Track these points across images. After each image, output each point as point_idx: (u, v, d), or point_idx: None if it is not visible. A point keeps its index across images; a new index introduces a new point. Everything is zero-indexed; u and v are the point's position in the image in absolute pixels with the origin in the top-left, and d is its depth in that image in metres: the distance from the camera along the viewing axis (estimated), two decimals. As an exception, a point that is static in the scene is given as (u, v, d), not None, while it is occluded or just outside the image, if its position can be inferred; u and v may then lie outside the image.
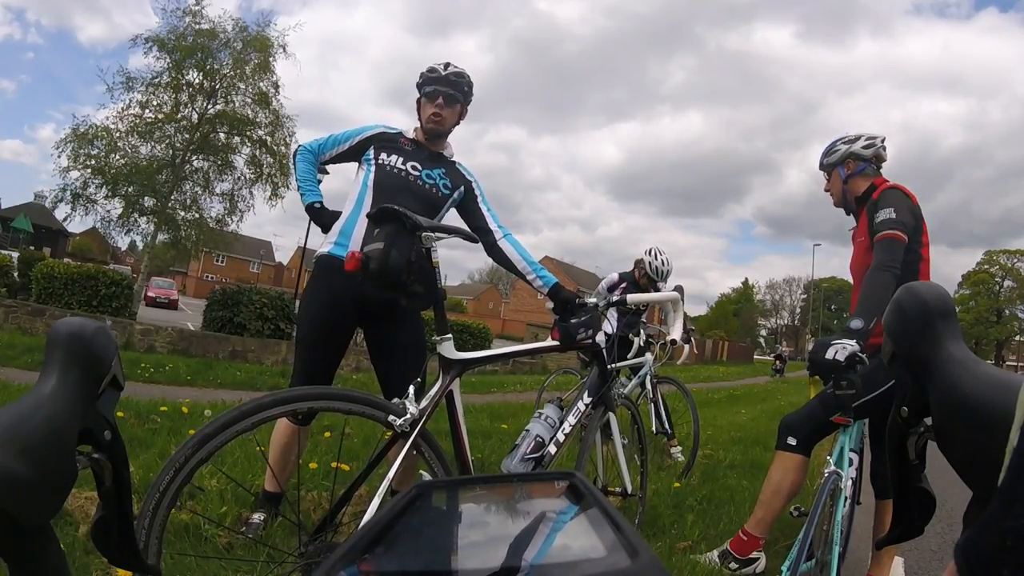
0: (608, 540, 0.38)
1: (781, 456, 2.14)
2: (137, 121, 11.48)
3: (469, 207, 2.12)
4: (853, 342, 1.49)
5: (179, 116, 11.78)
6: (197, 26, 11.62)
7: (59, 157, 11.01)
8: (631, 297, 2.12)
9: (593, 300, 2.06)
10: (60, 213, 11.94)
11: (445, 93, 2.01)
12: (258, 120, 12.39)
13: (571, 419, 1.92)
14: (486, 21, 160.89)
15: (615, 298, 2.08)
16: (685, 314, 2.62)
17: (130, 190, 11.30)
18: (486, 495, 0.60)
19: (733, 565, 2.19)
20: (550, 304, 2.05)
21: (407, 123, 2.13)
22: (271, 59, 12.34)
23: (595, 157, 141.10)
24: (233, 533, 1.92)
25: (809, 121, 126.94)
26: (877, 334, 1.75)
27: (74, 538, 1.67)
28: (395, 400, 1.48)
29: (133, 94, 11.45)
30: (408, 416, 1.44)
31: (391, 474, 1.38)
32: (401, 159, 2.00)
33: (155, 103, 11.60)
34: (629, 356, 3.78)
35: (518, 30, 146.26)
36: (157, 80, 11.49)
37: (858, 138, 2.21)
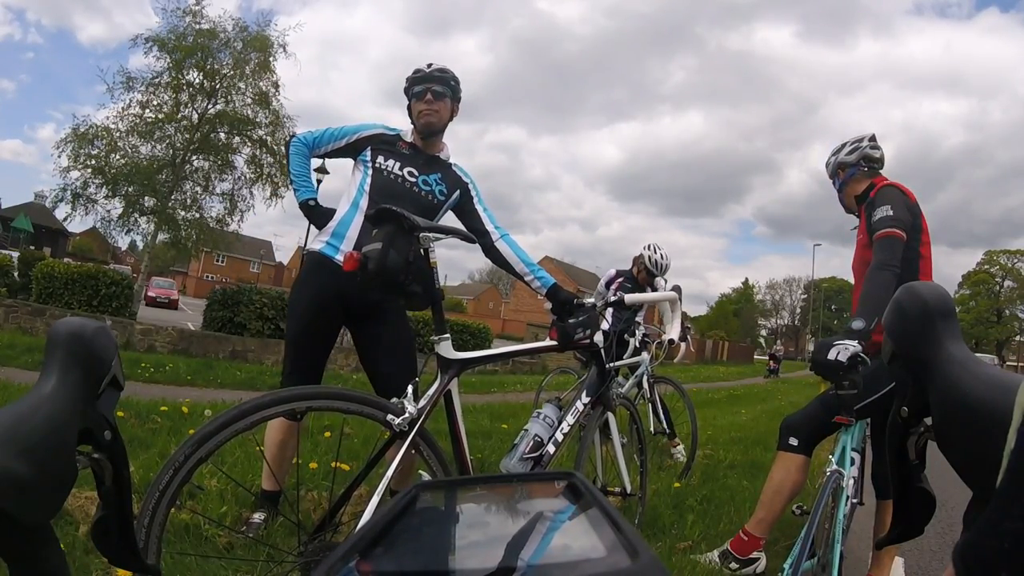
0: (608, 540, 0.38)
1: (782, 456, 2.14)
2: (137, 121, 11.46)
3: (466, 209, 2.12)
4: (855, 342, 1.50)
5: (179, 116, 11.77)
6: (197, 26, 11.61)
7: (59, 157, 11.01)
8: (629, 297, 2.12)
9: (591, 300, 2.06)
10: (60, 213, 11.94)
11: (433, 89, 2.02)
12: (258, 120, 12.38)
13: (570, 419, 1.92)
14: (486, 21, 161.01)
15: (613, 298, 2.08)
16: (684, 313, 2.62)
17: (130, 190, 11.28)
18: (486, 495, 0.60)
19: (733, 565, 2.19)
20: (548, 305, 2.05)
21: (407, 123, 2.12)
22: (271, 59, 12.33)
23: (595, 157, 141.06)
24: (233, 533, 1.92)
25: (810, 121, 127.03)
26: (879, 334, 1.75)
27: (74, 538, 1.67)
28: (393, 399, 1.48)
29: (133, 94, 11.45)
30: (407, 415, 1.44)
31: (389, 473, 1.38)
32: (398, 164, 2.00)
33: (155, 103, 11.60)
34: (625, 356, 3.79)
35: (518, 30, 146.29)
36: (157, 80, 11.49)
37: (843, 146, 2.23)
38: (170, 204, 11.84)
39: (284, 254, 61.83)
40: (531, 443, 1.85)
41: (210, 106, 11.95)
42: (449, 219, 2.13)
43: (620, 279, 4.25)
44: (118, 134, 11.33)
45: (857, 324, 1.64)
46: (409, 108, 2.08)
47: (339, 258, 1.89)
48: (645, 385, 3.81)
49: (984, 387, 0.37)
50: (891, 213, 1.91)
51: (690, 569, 2.15)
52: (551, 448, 1.86)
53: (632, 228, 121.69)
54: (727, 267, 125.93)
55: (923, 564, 2.72)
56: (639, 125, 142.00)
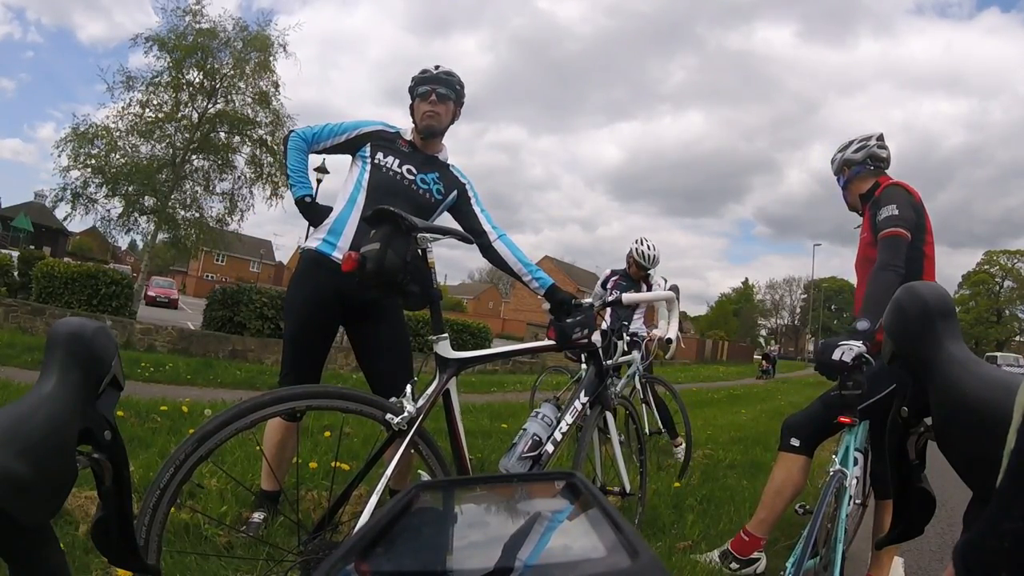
0: (608, 540, 0.38)
1: (784, 457, 2.14)
2: (137, 120, 11.46)
3: (463, 209, 2.12)
4: (859, 343, 1.50)
5: (179, 115, 11.77)
6: (197, 25, 11.60)
7: (59, 156, 11.01)
8: (627, 296, 2.12)
9: (589, 300, 2.06)
10: (60, 212, 11.92)
11: (438, 91, 2.02)
12: (258, 119, 12.38)
13: (568, 418, 1.91)
14: (486, 20, 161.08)
15: (610, 298, 2.08)
16: (683, 312, 2.62)
17: (130, 189, 11.28)
18: (485, 495, 0.59)
19: (734, 565, 2.19)
20: (547, 305, 2.05)
21: (407, 122, 2.12)
22: (271, 58, 12.33)
23: (595, 157, 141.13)
24: (233, 532, 1.92)
25: (810, 121, 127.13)
26: (881, 334, 1.75)
27: (74, 538, 1.67)
28: (392, 399, 1.48)
29: (133, 93, 11.46)
30: (406, 414, 1.44)
31: (388, 473, 1.38)
32: (397, 161, 2.00)
33: (155, 102, 11.59)
34: (614, 356, 3.78)
35: (518, 29, 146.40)
36: (157, 79, 11.48)
37: (850, 144, 2.22)
38: (170, 204, 11.84)
39: (284, 254, 61.84)
40: (529, 443, 1.85)
41: (210, 106, 11.95)
42: (446, 220, 2.13)
43: (615, 277, 4.27)
44: (118, 133, 11.34)
45: (862, 325, 1.64)
46: (412, 107, 2.08)
47: (336, 255, 1.89)
48: (638, 385, 3.81)
49: (984, 387, 0.37)
50: (896, 212, 1.91)
51: (690, 569, 2.15)
52: (549, 448, 1.85)
53: (632, 228, 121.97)
54: (727, 267, 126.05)
55: (923, 564, 2.72)
56: (639, 125, 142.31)
